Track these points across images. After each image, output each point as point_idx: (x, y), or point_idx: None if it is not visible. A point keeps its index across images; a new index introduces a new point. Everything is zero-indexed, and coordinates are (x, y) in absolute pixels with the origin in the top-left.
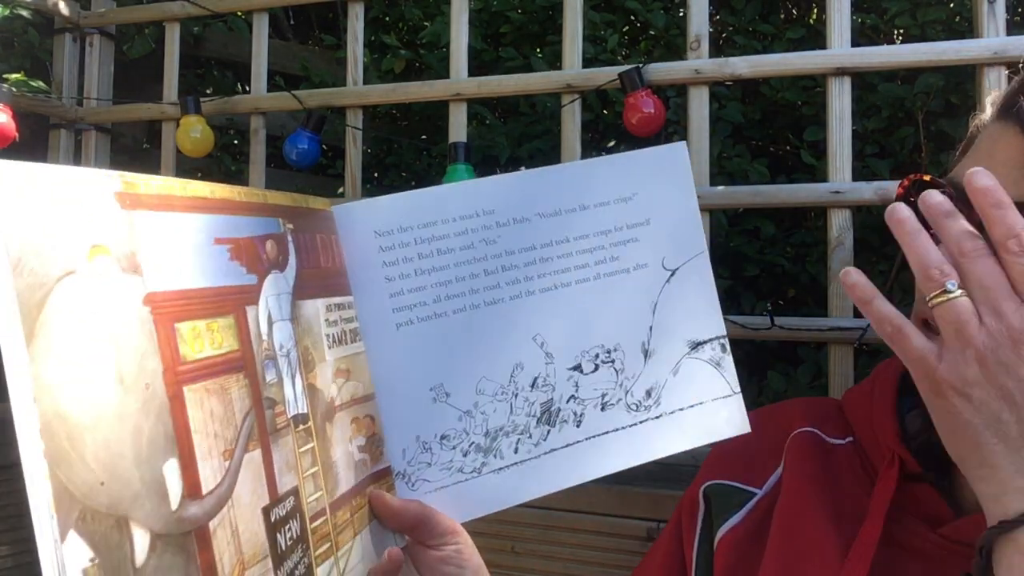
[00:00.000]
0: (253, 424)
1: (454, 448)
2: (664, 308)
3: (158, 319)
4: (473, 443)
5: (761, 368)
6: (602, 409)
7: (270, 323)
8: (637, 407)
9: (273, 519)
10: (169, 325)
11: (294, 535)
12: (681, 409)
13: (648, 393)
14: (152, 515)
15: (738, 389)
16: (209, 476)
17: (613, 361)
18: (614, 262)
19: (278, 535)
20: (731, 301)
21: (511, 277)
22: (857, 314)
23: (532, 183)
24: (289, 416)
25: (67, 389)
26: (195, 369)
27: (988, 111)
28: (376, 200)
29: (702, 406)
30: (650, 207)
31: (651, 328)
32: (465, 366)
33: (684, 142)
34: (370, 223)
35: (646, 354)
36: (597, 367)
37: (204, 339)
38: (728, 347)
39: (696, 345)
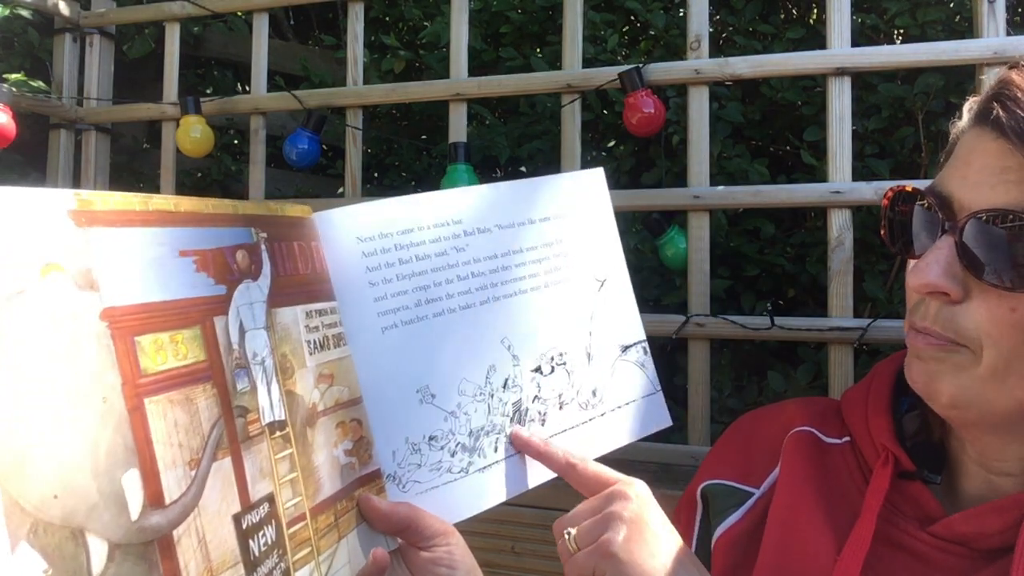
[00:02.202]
0: (222, 433)
1: (442, 448)
2: (598, 315)
3: (116, 333)
4: (459, 443)
5: (761, 368)
6: (560, 408)
7: (242, 332)
8: (586, 405)
9: (245, 526)
10: (128, 339)
11: (268, 541)
12: (619, 407)
13: (594, 392)
14: (110, 525)
15: (659, 388)
16: (173, 485)
17: (565, 363)
18: (558, 272)
19: (250, 541)
20: (731, 301)
21: (480, 283)
22: (857, 314)
23: (491, 196)
24: (264, 423)
25: (17, 405)
26: (157, 381)
27: (965, 117)
28: (356, 207)
29: (634, 403)
30: (579, 224)
31: (591, 333)
32: (447, 368)
33: (601, 168)
34: (352, 229)
35: (589, 357)
36: (553, 369)
37: (167, 351)
38: (648, 350)
39: (625, 348)
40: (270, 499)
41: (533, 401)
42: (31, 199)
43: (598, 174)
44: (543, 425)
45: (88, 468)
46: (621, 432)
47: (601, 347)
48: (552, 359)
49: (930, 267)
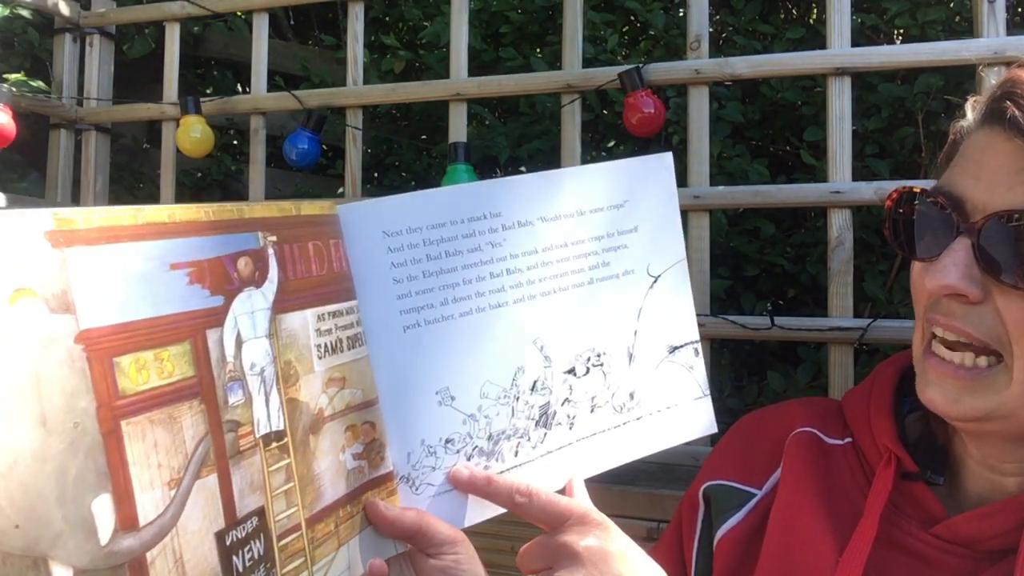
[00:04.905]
0: (208, 449)
1: (458, 452)
2: (647, 313)
3: (92, 356)
4: (476, 447)
5: (761, 368)
6: (591, 411)
7: (239, 343)
8: (621, 409)
9: (229, 542)
10: (106, 360)
11: (255, 555)
12: (659, 411)
13: (631, 395)
14: (76, 552)
15: (708, 391)
16: (149, 507)
17: (602, 364)
18: (606, 267)
19: (234, 558)
20: (731, 301)
21: (515, 280)
22: (857, 314)
23: (537, 187)
24: (258, 436)
25: None
26: (136, 402)
27: (969, 116)
28: (384, 200)
29: (677, 407)
30: (638, 214)
31: (636, 332)
32: (470, 369)
33: (670, 152)
34: (378, 223)
35: (630, 358)
36: (588, 370)
37: (150, 370)
38: (700, 351)
39: (674, 349)
40: (260, 513)
41: (563, 404)
42: (2, 223)
43: (666, 159)
44: (571, 429)
45: (54, 496)
46: (659, 437)
47: (646, 347)
48: (588, 360)
49: (948, 269)
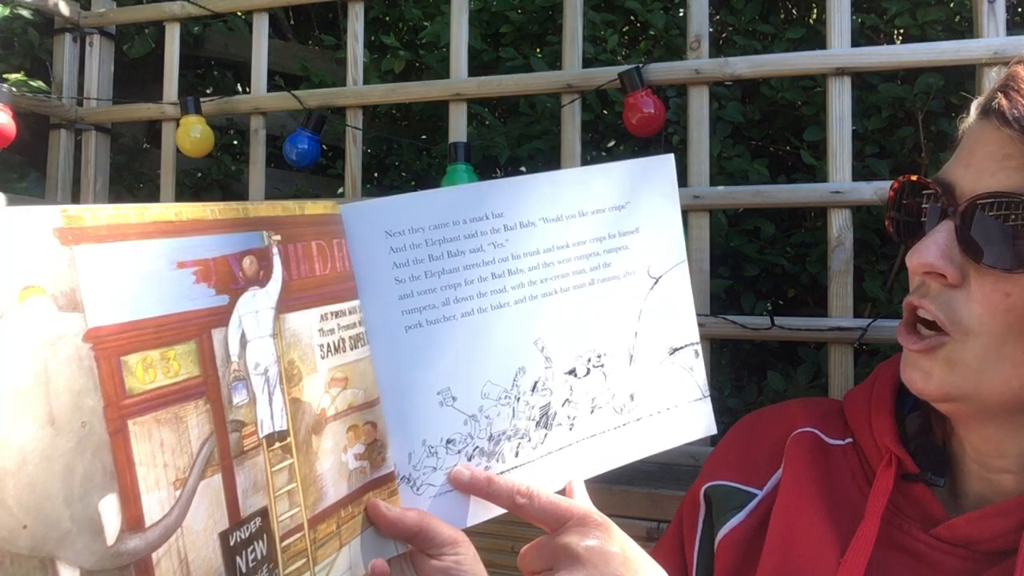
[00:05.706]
0: (213, 449)
1: (459, 452)
2: (648, 315)
3: (100, 354)
4: (477, 447)
5: (761, 368)
6: (591, 412)
7: (243, 343)
8: (621, 410)
9: (233, 542)
10: (114, 359)
11: (259, 556)
12: (659, 412)
13: (631, 396)
14: (83, 552)
15: (707, 393)
16: (155, 507)
17: (603, 365)
18: (607, 269)
19: (238, 558)
20: (731, 301)
21: (516, 281)
22: (857, 314)
23: (539, 187)
24: (262, 436)
25: None
26: (143, 401)
27: (972, 114)
28: (387, 200)
29: (677, 409)
30: (640, 216)
31: (636, 334)
32: (471, 370)
33: (672, 154)
34: (381, 223)
35: (631, 359)
36: (589, 371)
37: (157, 369)
38: (700, 353)
39: (674, 351)
40: (263, 513)
41: (563, 405)
42: (12, 219)
43: (667, 161)
44: (571, 430)
45: (61, 496)
46: (659, 438)
47: (646, 349)
48: (589, 360)
49: (928, 248)
